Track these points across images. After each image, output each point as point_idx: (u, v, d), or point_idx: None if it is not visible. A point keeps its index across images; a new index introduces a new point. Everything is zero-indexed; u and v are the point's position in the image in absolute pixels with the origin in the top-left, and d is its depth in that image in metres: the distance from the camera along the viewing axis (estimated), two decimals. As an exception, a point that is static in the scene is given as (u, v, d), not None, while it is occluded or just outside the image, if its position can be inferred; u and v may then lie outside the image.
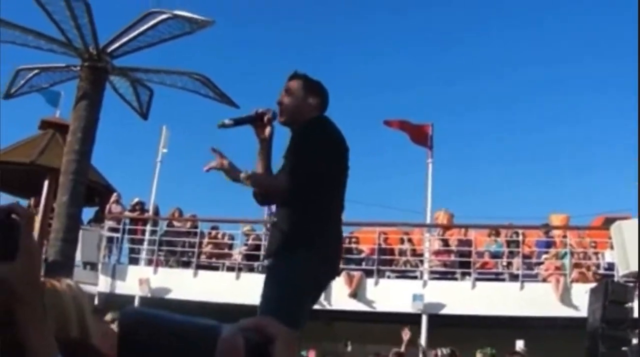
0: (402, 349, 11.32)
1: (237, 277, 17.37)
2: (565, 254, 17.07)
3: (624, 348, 11.74)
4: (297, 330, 4.09)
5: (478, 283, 16.76)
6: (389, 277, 17.37)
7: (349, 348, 13.82)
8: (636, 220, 13.50)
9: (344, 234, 19.20)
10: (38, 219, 15.11)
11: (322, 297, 16.47)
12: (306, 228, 4.25)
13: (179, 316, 0.82)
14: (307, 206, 4.23)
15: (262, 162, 4.52)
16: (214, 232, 19.22)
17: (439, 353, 11.63)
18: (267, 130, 4.49)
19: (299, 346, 16.44)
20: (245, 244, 18.42)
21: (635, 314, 12.31)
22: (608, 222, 15.26)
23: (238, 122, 4.46)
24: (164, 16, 13.31)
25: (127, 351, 0.78)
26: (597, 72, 51.86)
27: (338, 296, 16.70)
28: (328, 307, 16.75)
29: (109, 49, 13.91)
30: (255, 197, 4.55)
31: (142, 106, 15.64)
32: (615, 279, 13.92)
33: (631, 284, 13.25)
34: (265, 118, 4.46)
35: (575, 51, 49.49)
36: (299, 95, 4.49)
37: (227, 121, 4.37)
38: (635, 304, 12.46)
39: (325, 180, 4.25)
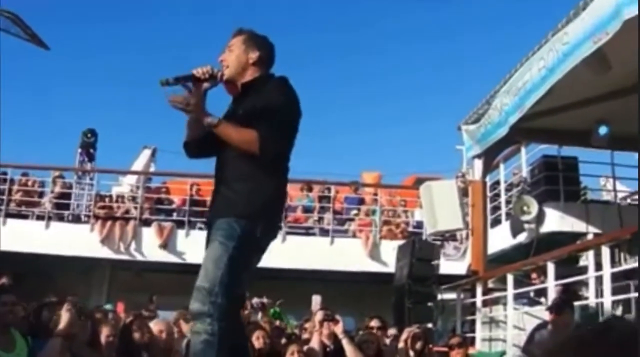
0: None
1: (47, 226, 16.69)
2: (375, 211, 17.42)
3: (429, 303, 12.11)
4: (238, 289, 4.20)
5: (289, 237, 16.80)
6: (200, 228, 17.15)
7: (154, 303, 13.55)
8: (444, 181, 13.92)
9: (156, 185, 18.83)
10: None
11: (132, 248, 16.26)
12: (262, 194, 4.23)
13: None
14: (267, 170, 4.23)
15: (196, 124, 4.40)
16: (24, 179, 18.25)
17: (252, 303, 11.69)
18: (204, 87, 4.35)
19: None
20: (52, 191, 17.62)
21: (440, 271, 12.73)
22: (419, 182, 15.65)
23: (179, 79, 4.27)
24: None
25: None
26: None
27: (149, 246, 16.40)
28: (139, 258, 16.44)
29: None
30: (187, 148, 4.55)
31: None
32: (423, 237, 14.29)
33: (438, 242, 13.70)
34: (217, 73, 4.37)
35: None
36: (239, 50, 4.47)
37: (170, 79, 4.23)
38: (440, 262, 12.88)
39: (289, 145, 4.34)
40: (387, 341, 8.71)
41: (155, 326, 7.18)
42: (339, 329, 7.41)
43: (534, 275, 11.60)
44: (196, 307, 4.03)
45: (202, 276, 4.08)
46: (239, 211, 4.15)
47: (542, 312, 9.21)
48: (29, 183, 18.17)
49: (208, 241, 4.27)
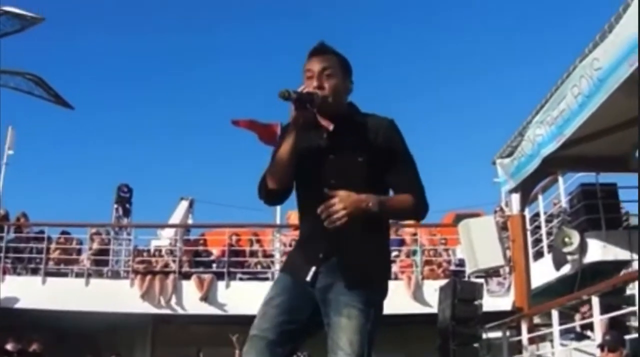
0: (236, 355, 10.99)
1: (87, 283, 16.64)
2: (416, 251, 17.16)
3: (475, 344, 11.84)
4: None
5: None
6: (240, 279, 17.02)
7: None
8: (482, 218, 13.69)
9: (193, 237, 18.74)
10: None
11: (173, 302, 16.18)
12: (388, 252, 3.78)
13: None
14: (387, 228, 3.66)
15: (292, 152, 3.46)
16: (62, 237, 18.27)
17: None
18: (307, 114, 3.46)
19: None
20: (90, 248, 17.58)
21: (485, 308, 12.46)
22: (459, 218, 15.37)
23: (300, 99, 3.36)
24: (-8, 12, 12.64)
25: None
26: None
27: (189, 300, 16.28)
28: (180, 311, 16.33)
29: (-64, 48, 13.11)
30: (270, 196, 3.61)
31: (-23, 107, 14.81)
32: (466, 275, 14.03)
33: (480, 281, 13.41)
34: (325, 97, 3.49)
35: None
36: (339, 78, 3.57)
37: (292, 93, 3.33)
38: (484, 299, 12.60)
39: None
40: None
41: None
42: (380, 375, 7.14)
43: (583, 309, 11.25)
44: None
45: (346, 348, 3.44)
46: (378, 277, 3.58)
47: (590, 348, 8.95)
48: (66, 242, 18.16)
49: (321, 299, 3.51)
